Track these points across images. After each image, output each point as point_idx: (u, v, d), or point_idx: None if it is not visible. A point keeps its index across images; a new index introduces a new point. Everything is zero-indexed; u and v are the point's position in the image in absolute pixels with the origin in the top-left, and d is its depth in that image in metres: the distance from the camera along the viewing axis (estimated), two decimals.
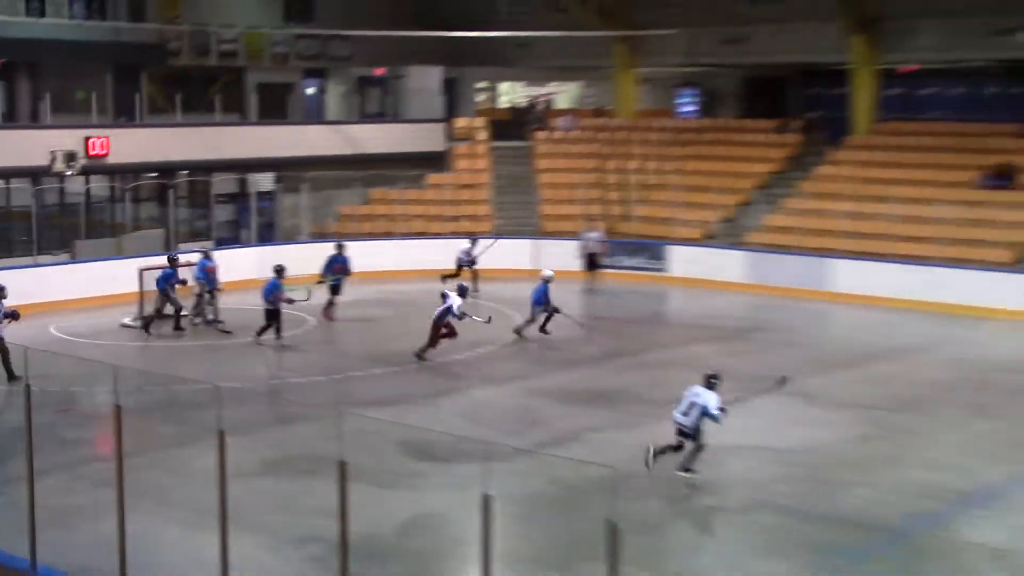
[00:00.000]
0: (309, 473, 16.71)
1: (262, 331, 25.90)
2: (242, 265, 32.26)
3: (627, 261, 35.20)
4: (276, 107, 39.61)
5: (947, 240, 31.44)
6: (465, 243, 32.44)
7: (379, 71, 43.25)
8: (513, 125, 43.33)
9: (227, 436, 10.63)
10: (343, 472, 9.73)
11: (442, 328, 24.25)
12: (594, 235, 34.01)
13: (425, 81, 42.24)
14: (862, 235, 32.87)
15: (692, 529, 15.34)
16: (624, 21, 40.09)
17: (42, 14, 34.85)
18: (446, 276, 30.18)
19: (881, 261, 31.77)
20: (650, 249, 35.28)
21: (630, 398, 21.70)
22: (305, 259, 30.49)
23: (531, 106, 48.11)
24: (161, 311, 27.17)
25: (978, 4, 33.37)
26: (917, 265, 31.00)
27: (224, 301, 28.31)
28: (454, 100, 43.95)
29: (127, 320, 28.08)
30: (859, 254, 32.35)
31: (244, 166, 36.47)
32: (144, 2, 37.12)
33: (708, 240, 35.36)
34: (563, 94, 52.47)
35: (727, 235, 35.48)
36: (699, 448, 16.85)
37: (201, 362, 25.04)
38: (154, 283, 27.19)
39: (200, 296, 27.98)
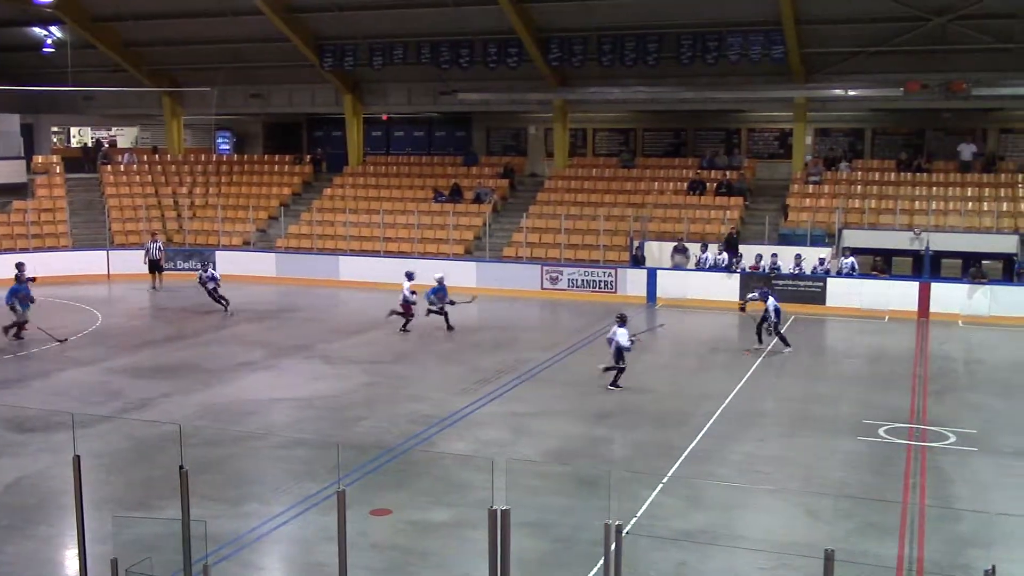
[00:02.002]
0: None
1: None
2: None
3: (183, 264, 33.85)
4: None
5: (417, 239, 32.62)
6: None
7: None
8: (84, 161, 40.65)
9: None
10: None
11: None
12: (155, 244, 32.37)
13: (6, 125, 38.53)
14: (359, 238, 33.53)
15: (246, 465, 14.95)
16: (171, 80, 38.51)
17: None
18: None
19: (373, 256, 32.55)
20: (201, 254, 34.07)
21: (191, 368, 20.88)
22: None
23: (98, 145, 45.24)
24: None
25: (428, 73, 34.67)
26: (398, 258, 31.95)
27: None
28: (32, 141, 40.42)
29: None
30: (358, 251, 33.00)
31: None
32: None
33: (246, 245, 34.68)
34: (124, 136, 49.74)
35: (261, 241, 34.97)
36: (621, 370, 19.01)
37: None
38: None
39: None
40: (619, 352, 19.06)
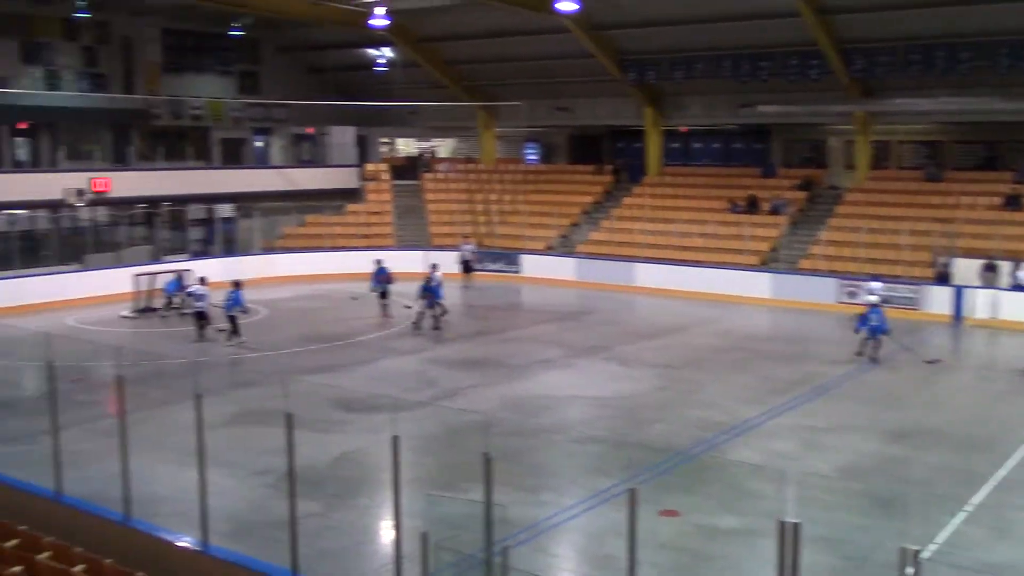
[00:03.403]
0: (264, 423, 16.33)
1: (231, 334, 23.57)
2: (211, 271, 31.52)
3: (492, 265, 35.24)
4: (234, 156, 38.75)
5: (712, 249, 32.12)
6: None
7: (309, 129, 42.62)
8: (408, 169, 43.20)
9: (202, 397, 10.28)
10: (289, 422, 9.49)
11: None
12: (468, 246, 33.92)
13: (343, 137, 41.78)
14: (655, 246, 33.39)
15: (543, 457, 15.33)
16: (485, 95, 40.19)
17: (58, 88, 33.63)
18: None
19: (669, 264, 32.32)
20: (508, 256, 35.36)
21: (495, 363, 21.67)
22: (256, 267, 29.97)
23: (420, 155, 47.95)
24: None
25: (728, 86, 34.10)
26: (693, 266, 31.65)
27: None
28: (364, 151, 43.55)
29: (125, 312, 27.19)
30: (653, 259, 32.87)
31: (210, 199, 35.60)
32: (133, 77, 35.98)
33: (549, 250, 35.54)
34: (443, 147, 52.39)
35: (562, 246, 35.71)
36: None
37: (181, 344, 24.31)
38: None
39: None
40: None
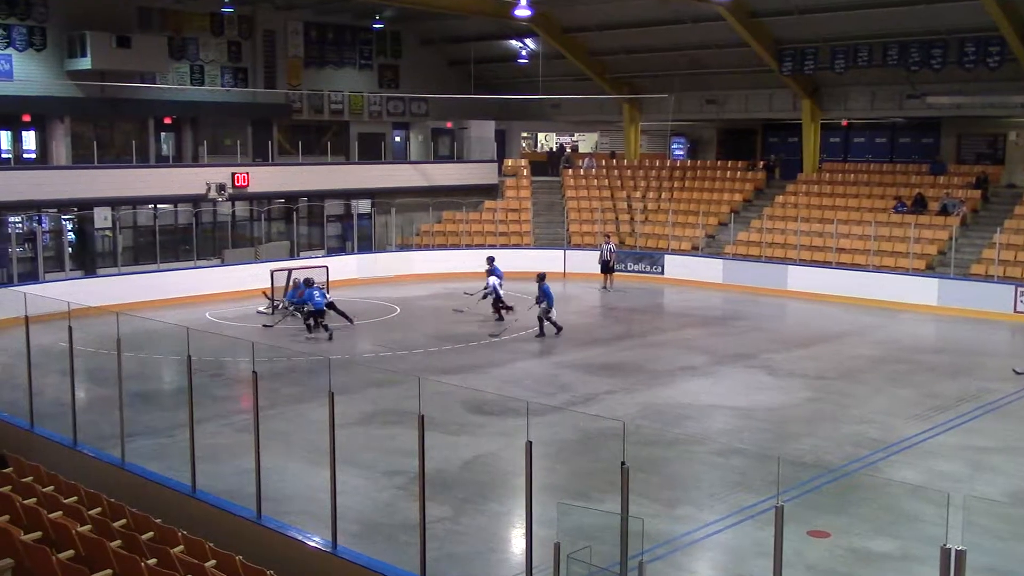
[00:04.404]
0: (396, 423, 16.71)
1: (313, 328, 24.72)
2: (346, 268, 32.51)
3: (633, 266, 35.11)
4: (372, 151, 39.63)
5: (873, 251, 31.15)
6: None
7: (448, 124, 43.30)
8: (548, 165, 43.45)
9: (335, 396, 10.58)
10: (421, 423, 9.68)
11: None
12: (608, 246, 33.84)
13: (482, 131, 42.33)
14: (810, 247, 32.69)
15: (683, 469, 15.17)
16: (630, 87, 40.05)
17: (201, 83, 35.15)
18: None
19: (824, 267, 31.57)
20: (651, 257, 35.15)
21: (634, 368, 21.57)
22: (392, 264, 30.63)
23: (561, 150, 48.13)
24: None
25: (893, 75, 33.01)
26: (851, 270, 30.86)
27: (332, 295, 28.35)
28: (504, 146, 43.99)
29: (261, 308, 28.21)
30: (808, 261, 32.18)
31: (348, 194, 36.58)
32: (275, 73, 37.28)
33: (694, 251, 35.16)
34: (585, 141, 52.47)
35: (709, 247, 35.28)
36: None
37: (313, 341, 25.11)
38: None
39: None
40: None
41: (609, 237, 35.02)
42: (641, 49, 37.61)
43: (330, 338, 24.24)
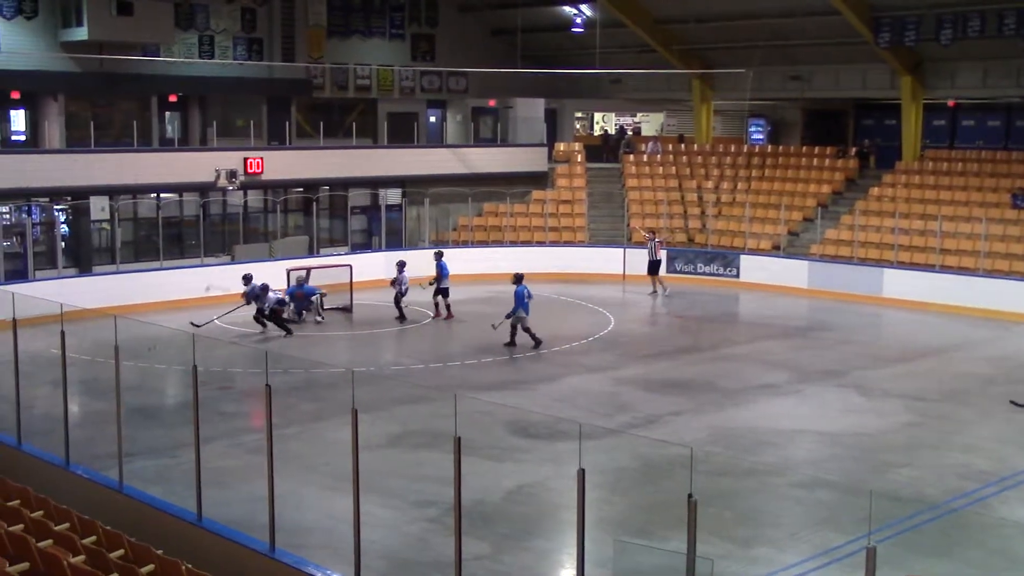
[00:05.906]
0: (428, 446, 16.82)
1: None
2: (372, 267, 32.69)
3: (703, 267, 35.02)
4: (403, 132, 39.89)
5: (984, 253, 30.85)
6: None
7: (491, 102, 43.46)
8: (605, 149, 43.46)
9: (358, 414, 10.67)
10: (458, 446, 9.74)
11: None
12: (655, 241, 33.50)
13: (530, 111, 42.43)
14: (910, 248, 32.45)
15: (760, 502, 15.11)
16: (701, 61, 39.95)
17: (211, 56, 35.54)
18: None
19: (926, 271, 31.32)
20: (724, 257, 35.05)
21: (704, 386, 21.51)
22: (425, 263, 30.69)
23: (621, 133, 48.13)
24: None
25: (1010, 48, 32.64)
26: (958, 275, 30.58)
27: (356, 297, 28.61)
28: (555, 127, 44.04)
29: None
30: (907, 264, 31.96)
31: (375, 182, 36.85)
32: (293, 44, 37.63)
33: (775, 251, 35.00)
34: (648, 123, 52.41)
35: (792, 246, 35.10)
36: None
37: (336, 349, 25.29)
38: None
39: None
40: None
41: (655, 233, 34.44)
42: (715, 17, 37.47)
43: (288, 334, 26.06)
